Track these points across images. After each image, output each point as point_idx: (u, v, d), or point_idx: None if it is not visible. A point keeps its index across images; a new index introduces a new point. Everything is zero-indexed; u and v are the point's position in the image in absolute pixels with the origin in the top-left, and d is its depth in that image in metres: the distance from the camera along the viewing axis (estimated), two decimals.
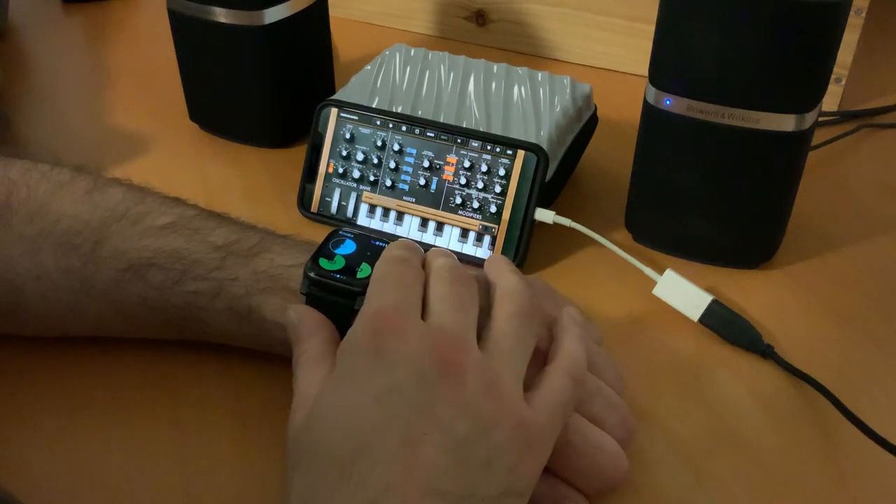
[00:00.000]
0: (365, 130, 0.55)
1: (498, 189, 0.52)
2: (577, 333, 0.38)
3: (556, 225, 0.52)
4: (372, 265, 0.38)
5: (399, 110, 0.55)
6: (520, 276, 0.38)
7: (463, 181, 0.52)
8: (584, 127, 0.58)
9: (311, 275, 0.38)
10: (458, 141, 0.53)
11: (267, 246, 0.43)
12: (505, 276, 0.38)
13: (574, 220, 0.52)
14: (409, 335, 0.33)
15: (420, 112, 0.55)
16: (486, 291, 0.38)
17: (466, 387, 0.32)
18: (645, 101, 0.50)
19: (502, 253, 0.52)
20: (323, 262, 0.39)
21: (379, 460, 0.30)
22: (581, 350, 0.37)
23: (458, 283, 0.36)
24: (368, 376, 0.32)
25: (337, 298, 0.38)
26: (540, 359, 0.37)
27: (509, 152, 0.52)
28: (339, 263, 0.39)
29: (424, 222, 0.53)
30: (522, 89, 0.57)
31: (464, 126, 0.53)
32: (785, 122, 0.47)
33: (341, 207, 0.55)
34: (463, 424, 0.31)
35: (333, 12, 0.66)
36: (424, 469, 0.30)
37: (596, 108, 0.61)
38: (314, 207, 0.56)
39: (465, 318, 0.35)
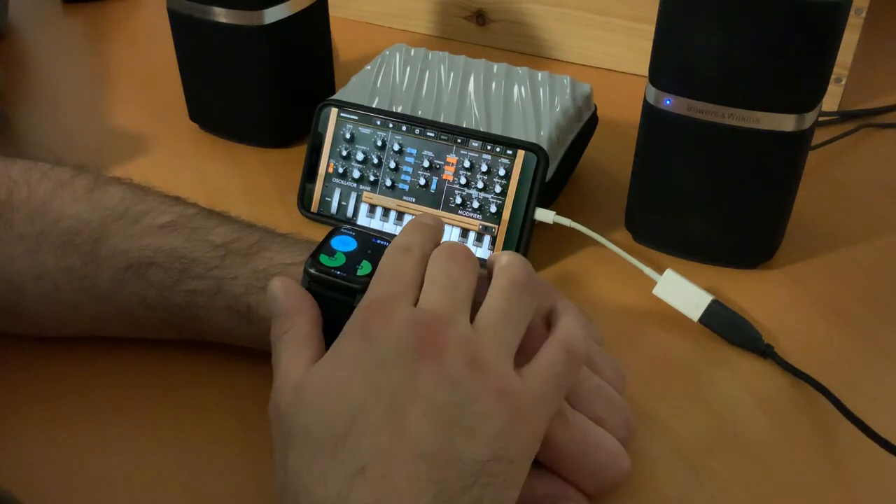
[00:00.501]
0: (365, 130, 0.55)
1: (498, 189, 0.52)
2: (575, 314, 0.39)
3: (556, 225, 0.52)
4: (372, 262, 0.38)
5: (399, 110, 0.55)
6: (517, 255, 0.39)
7: (463, 181, 0.52)
8: (584, 127, 0.58)
9: (311, 271, 0.38)
10: (458, 141, 0.53)
11: (266, 244, 0.43)
12: (503, 255, 0.39)
13: (574, 220, 0.52)
14: (395, 318, 0.34)
15: (420, 112, 0.55)
16: (489, 277, 0.38)
17: (447, 361, 0.33)
18: (645, 101, 0.50)
19: None
20: (323, 259, 0.39)
21: (368, 430, 0.32)
22: (577, 326, 0.38)
23: (450, 263, 0.37)
24: (357, 357, 0.34)
25: (336, 295, 0.38)
26: (539, 346, 0.37)
27: (509, 152, 0.52)
28: (340, 260, 0.39)
29: None
30: (522, 89, 0.57)
31: (464, 126, 0.53)
32: (785, 122, 0.47)
33: (341, 207, 0.55)
34: (444, 394, 0.32)
35: (333, 12, 0.66)
36: (410, 435, 0.31)
37: (596, 108, 0.61)
38: (314, 207, 0.56)
39: (453, 297, 0.35)
